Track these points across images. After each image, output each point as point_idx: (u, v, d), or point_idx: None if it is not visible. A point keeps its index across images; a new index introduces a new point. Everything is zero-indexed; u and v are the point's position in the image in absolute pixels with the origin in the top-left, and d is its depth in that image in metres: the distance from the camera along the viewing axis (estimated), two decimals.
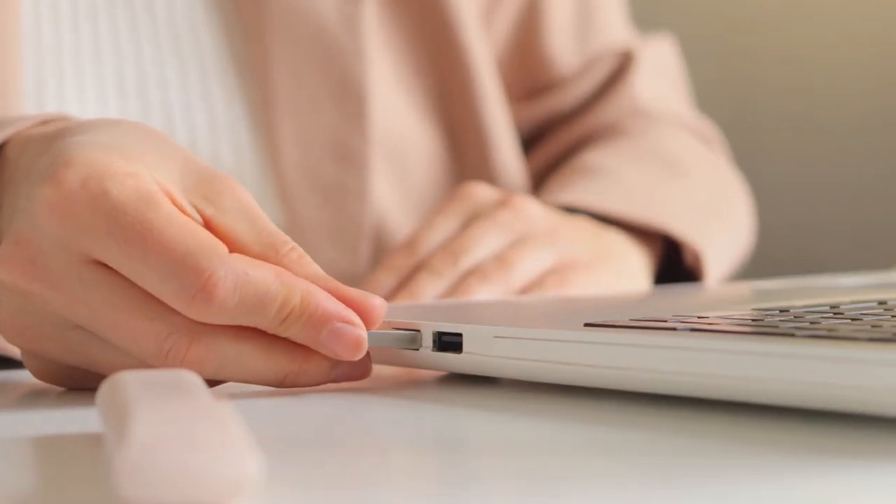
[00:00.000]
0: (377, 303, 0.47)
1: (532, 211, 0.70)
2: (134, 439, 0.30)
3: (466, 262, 0.66)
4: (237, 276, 0.45)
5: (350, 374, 0.48)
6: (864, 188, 1.82)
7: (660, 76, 0.96)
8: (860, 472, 0.34)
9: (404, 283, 0.65)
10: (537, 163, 0.91)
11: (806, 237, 1.62)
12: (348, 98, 0.82)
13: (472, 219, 0.69)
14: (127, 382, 0.37)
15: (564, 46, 0.93)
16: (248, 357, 0.46)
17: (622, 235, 0.78)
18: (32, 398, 0.49)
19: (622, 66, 0.94)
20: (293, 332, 0.46)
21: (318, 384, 0.47)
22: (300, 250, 0.48)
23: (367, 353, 0.47)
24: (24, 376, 0.55)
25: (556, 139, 0.93)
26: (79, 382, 0.49)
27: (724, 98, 1.08)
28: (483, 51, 0.88)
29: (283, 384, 0.47)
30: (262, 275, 0.45)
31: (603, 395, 0.44)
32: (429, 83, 0.88)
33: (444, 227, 0.69)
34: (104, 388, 0.38)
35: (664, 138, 0.92)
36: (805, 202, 1.81)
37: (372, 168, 0.83)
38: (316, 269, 0.48)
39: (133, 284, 0.45)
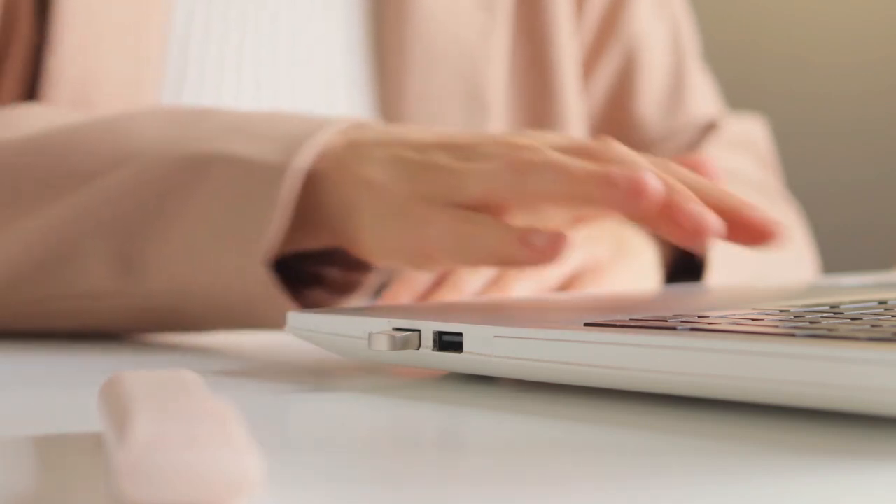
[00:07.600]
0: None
1: None
2: (134, 439, 0.30)
3: None
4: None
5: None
6: (864, 188, 1.83)
7: (739, 148, 1.01)
8: (860, 472, 0.34)
9: (446, 276, 0.68)
10: None
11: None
12: (473, 99, 0.91)
13: None
14: (127, 382, 0.37)
15: (654, 114, 1.00)
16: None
17: (637, 229, 0.79)
18: (32, 398, 0.49)
19: (702, 136, 0.99)
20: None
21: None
22: None
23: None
24: (25, 375, 0.55)
25: None
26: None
27: (724, 98, 1.09)
28: (579, 112, 0.96)
29: None
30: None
31: (603, 395, 0.45)
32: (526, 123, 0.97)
33: None
34: (104, 388, 0.38)
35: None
36: (805, 202, 1.81)
37: None
38: None
39: None
